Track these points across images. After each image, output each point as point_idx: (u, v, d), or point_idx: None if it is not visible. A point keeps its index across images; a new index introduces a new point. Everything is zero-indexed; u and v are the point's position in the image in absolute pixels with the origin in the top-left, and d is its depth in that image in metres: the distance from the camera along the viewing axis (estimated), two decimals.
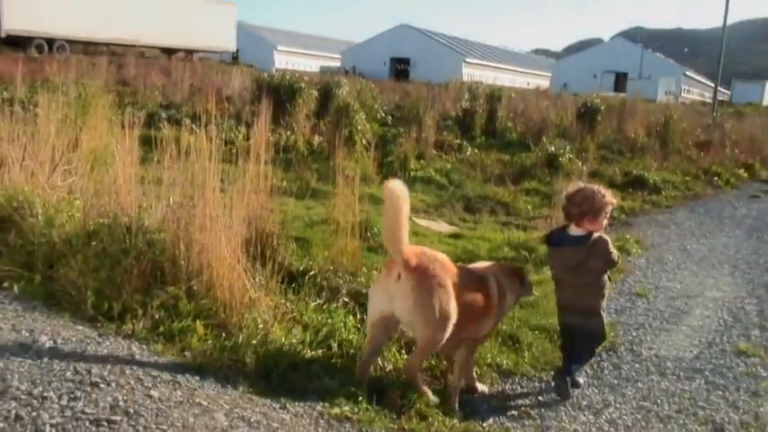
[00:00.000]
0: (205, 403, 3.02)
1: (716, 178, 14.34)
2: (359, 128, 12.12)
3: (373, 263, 5.95)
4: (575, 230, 4.29)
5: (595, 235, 4.24)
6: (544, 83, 63.46)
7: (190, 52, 42.23)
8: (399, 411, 3.66)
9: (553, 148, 12.71)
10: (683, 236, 9.55)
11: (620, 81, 66.67)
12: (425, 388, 3.92)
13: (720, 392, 4.60)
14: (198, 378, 3.35)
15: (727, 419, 4.23)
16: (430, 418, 3.63)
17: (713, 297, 6.81)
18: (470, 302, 3.86)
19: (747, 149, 17.48)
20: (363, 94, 16.25)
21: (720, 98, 47.34)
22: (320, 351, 4.03)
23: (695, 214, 11.21)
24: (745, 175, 15.65)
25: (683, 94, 61.48)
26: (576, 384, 4.46)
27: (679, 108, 24.51)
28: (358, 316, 4.71)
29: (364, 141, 11.84)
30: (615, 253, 4.31)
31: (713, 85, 38.90)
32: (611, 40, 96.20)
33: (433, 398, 3.84)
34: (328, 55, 68.89)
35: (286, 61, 56.86)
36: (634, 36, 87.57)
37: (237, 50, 48.79)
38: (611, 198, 4.29)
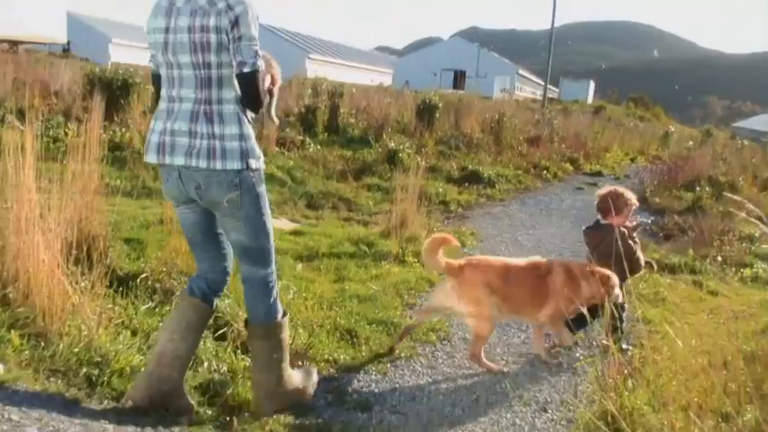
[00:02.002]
0: (16, 418, 2.82)
1: (545, 172, 15.10)
2: None
3: None
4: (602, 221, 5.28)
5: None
6: (387, 80, 64.48)
7: (15, 43, 39.53)
8: (231, 411, 3.61)
9: (393, 144, 12.95)
10: (515, 227, 10.01)
11: (459, 79, 68.86)
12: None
13: (544, 374, 4.86)
14: (11, 391, 3.13)
15: (549, 399, 4.47)
16: (264, 417, 3.59)
17: None
18: None
19: (573, 144, 18.53)
20: None
21: (550, 96, 49.99)
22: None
23: (526, 206, 11.77)
24: (571, 168, 16.60)
25: (517, 92, 64.30)
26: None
27: (512, 105, 25.64)
28: None
29: None
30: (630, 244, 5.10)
31: (544, 83, 40.97)
32: (449, 39, 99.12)
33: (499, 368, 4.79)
34: None
35: (125, 55, 54.29)
36: (471, 36, 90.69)
37: (69, 42, 46.13)
38: (633, 200, 5.25)
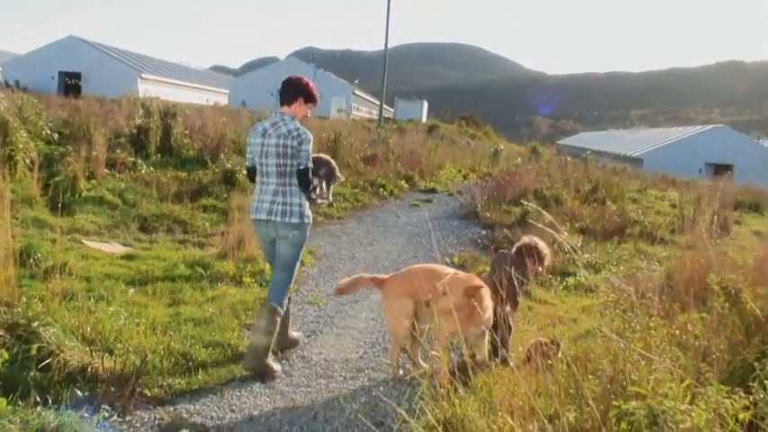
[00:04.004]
0: None
1: (381, 189, 15.37)
2: (20, 146, 11.18)
3: (37, 291, 5.54)
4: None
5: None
6: (223, 99, 63.59)
7: None
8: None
9: (230, 165, 12.78)
10: (353, 244, 10.16)
11: None
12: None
13: (381, 388, 4.97)
14: None
15: (385, 411, 4.58)
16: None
17: (377, 300, 7.29)
18: None
19: (408, 162, 18.99)
20: (25, 109, 15.00)
21: (386, 115, 51.10)
22: None
23: (363, 224, 11.97)
24: (407, 185, 16.99)
25: (353, 112, 65.29)
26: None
27: (349, 125, 26.00)
28: (14, 350, 4.33)
29: (27, 161, 10.95)
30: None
31: (379, 103, 41.85)
32: (286, 58, 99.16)
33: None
34: None
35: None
36: (307, 56, 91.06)
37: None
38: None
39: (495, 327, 5.09)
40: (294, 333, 5.84)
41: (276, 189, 5.24)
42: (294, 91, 5.39)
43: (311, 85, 5.52)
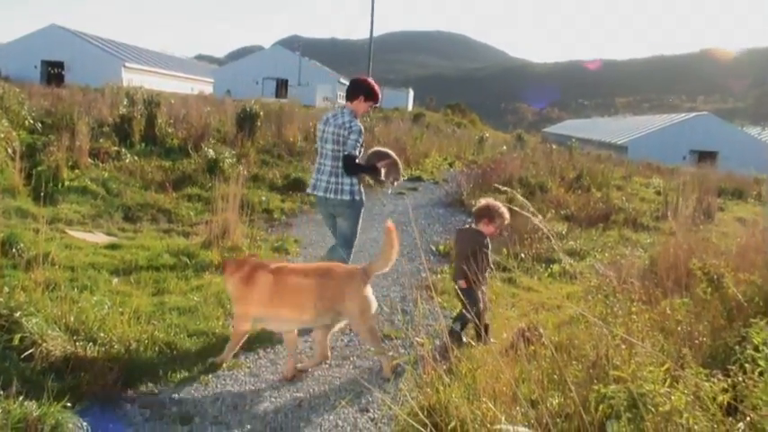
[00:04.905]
0: None
1: (366, 178, 15.33)
2: (2, 136, 11.10)
3: (20, 281, 5.50)
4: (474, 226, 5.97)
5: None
6: (208, 88, 63.24)
7: None
8: None
9: (213, 154, 12.72)
10: None
11: (281, 87, 68.70)
12: None
13: (366, 375, 4.98)
14: None
15: (370, 399, 4.59)
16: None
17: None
18: None
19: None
20: (7, 99, 14.87)
21: None
22: None
23: None
24: None
25: (339, 101, 65.09)
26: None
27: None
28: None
29: (9, 150, 10.87)
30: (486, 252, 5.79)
31: None
32: (271, 47, 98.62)
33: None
34: None
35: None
36: (292, 44, 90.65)
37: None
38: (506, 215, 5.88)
39: (466, 305, 5.08)
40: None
41: (331, 171, 6.13)
42: (356, 89, 6.26)
43: (372, 84, 6.31)
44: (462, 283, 5.48)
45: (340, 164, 6.05)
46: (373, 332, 4.93)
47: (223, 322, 5.70)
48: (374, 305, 4.91)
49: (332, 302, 4.80)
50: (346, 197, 6.09)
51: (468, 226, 6.11)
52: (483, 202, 6.08)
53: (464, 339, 5.45)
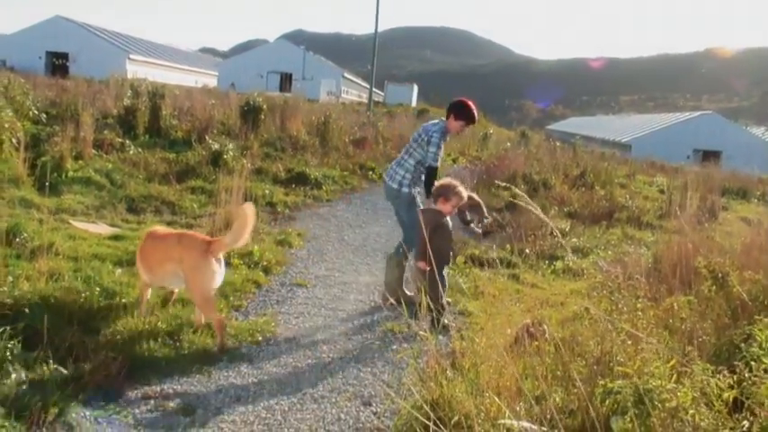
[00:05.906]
0: None
1: (370, 172, 15.32)
2: (6, 126, 11.09)
3: (24, 271, 5.50)
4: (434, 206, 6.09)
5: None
6: (212, 81, 63.18)
7: None
8: (39, 422, 3.45)
9: (217, 146, 12.71)
10: (342, 227, 10.15)
11: (286, 81, 68.55)
12: None
13: (369, 369, 4.98)
14: None
15: (373, 392, 4.59)
16: (77, 428, 3.45)
17: (366, 282, 7.33)
18: None
19: (398, 146, 18.88)
20: (12, 89, 14.87)
21: (375, 99, 50.93)
22: None
23: (352, 206, 11.94)
24: None
25: (343, 95, 65.02)
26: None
27: (338, 108, 25.89)
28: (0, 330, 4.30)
29: (14, 141, 10.87)
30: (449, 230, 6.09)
31: (369, 86, 41.72)
32: (275, 41, 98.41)
33: None
34: None
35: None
36: (297, 38, 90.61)
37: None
38: (463, 193, 6.06)
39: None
40: (409, 292, 6.75)
41: (399, 161, 6.72)
42: (449, 107, 6.79)
43: (464, 104, 6.70)
44: (422, 265, 5.53)
45: (406, 157, 6.62)
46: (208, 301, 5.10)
47: (226, 314, 5.69)
48: (216, 276, 5.11)
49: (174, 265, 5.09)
50: (394, 185, 6.57)
51: (428, 207, 6.23)
52: (441, 181, 6.23)
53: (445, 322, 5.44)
